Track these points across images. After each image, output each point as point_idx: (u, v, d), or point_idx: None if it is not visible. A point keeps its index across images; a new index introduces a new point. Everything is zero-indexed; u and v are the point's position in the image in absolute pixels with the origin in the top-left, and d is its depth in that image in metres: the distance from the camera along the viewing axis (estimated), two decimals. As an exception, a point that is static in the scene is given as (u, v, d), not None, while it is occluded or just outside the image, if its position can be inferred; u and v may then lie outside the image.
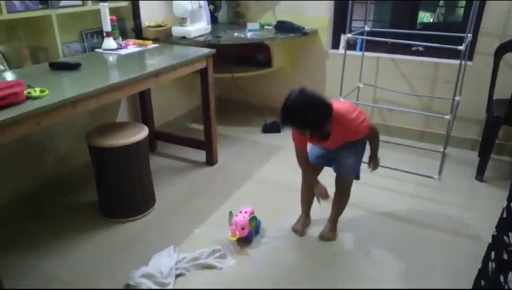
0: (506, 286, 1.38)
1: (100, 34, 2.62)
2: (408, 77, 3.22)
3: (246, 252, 2.09)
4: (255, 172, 2.85)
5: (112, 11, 2.59)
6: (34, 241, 2.15)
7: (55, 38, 2.34)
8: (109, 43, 2.56)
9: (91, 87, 1.86)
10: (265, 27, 3.40)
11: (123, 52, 2.55)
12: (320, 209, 2.19)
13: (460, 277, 1.92)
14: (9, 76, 2.04)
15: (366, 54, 3.23)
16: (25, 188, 2.37)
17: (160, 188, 2.58)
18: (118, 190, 2.27)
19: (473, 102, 3.03)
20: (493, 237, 1.55)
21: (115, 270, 1.95)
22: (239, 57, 3.52)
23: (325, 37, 3.41)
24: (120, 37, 2.65)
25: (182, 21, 3.02)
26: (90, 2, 2.50)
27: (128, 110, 3.01)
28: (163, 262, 1.93)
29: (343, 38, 3.32)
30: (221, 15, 3.68)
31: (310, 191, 2.13)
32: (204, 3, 3.08)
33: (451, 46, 2.54)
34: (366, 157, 2.08)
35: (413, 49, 3.26)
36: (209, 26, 3.20)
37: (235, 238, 2.06)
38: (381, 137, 3.29)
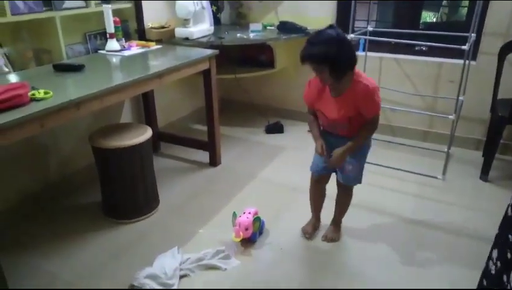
0: (509, 285, 1.38)
1: (103, 36, 2.63)
2: (411, 77, 3.21)
3: (250, 253, 2.09)
4: (259, 173, 2.85)
5: (115, 12, 2.59)
6: (37, 242, 2.16)
7: (59, 40, 2.34)
8: (112, 44, 2.57)
9: (95, 89, 1.87)
10: (268, 28, 3.40)
11: (126, 53, 2.56)
12: (326, 212, 2.18)
13: (464, 277, 1.91)
14: (13, 78, 2.05)
15: (369, 54, 3.22)
16: (28, 190, 2.38)
17: (163, 189, 2.58)
18: (122, 190, 2.27)
19: (477, 102, 3.01)
20: (496, 236, 1.54)
21: (119, 271, 1.95)
22: (242, 57, 3.52)
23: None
24: (123, 39, 2.66)
25: (184, 22, 3.02)
26: (93, 3, 2.51)
27: (132, 111, 3.01)
28: (167, 263, 1.93)
29: (346, 38, 3.31)
30: (224, 16, 3.68)
31: (318, 195, 2.12)
32: (207, 5, 3.08)
33: (454, 46, 2.53)
34: (369, 158, 2.07)
35: (416, 49, 3.25)
36: (212, 27, 3.20)
37: (238, 239, 2.06)
38: (385, 137, 3.34)
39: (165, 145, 3.21)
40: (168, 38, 3.02)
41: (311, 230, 2.19)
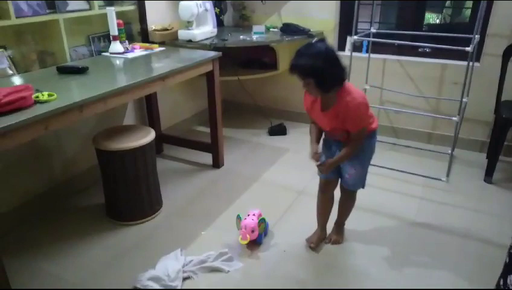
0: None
1: (107, 38, 2.64)
2: (415, 79, 3.21)
3: (253, 255, 2.08)
4: (261, 175, 2.85)
5: (119, 15, 2.60)
6: (41, 244, 2.16)
7: (63, 43, 2.36)
8: (116, 46, 2.58)
9: (98, 91, 1.87)
10: (271, 30, 3.40)
11: (130, 55, 2.57)
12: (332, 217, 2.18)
13: (469, 280, 1.90)
14: (17, 80, 2.06)
15: (373, 55, 3.22)
16: (32, 191, 2.38)
17: (166, 190, 2.58)
18: (125, 192, 2.28)
19: (481, 103, 3.00)
20: None
21: (122, 273, 1.95)
22: (245, 59, 3.52)
23: (331, 39, 3.40)
24: (127, 41, 2.67)
25: (188, 24, 3.03)
26: (97, 6, 2.52)
27: (135, 113, 3.02)
28: (170, 265, 1.93)
29: (349, 40, 3.31)
30: (227, 18, 3.68)
31: (326, 201, 2.10)
32: (210, 7, 3.09)
33: (458, 48, 2.52)
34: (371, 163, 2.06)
35: (419, 50, 3.25)
36: (215, 30, 3.21)
37: (246, 242, 2.05)
38: (389, 139, 3.33)
39: (168, 147, 3.22)
40: (171, 41, 3.03)
41: (315, 240, 2.14)
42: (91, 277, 1.95)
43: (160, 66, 2.38)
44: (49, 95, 1.74)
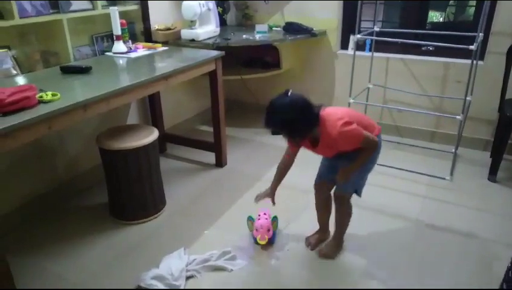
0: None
1: (110, 38, 2.65)
2: (418, 77, 3.20)
3: (256, 254, 2.08)
4: (265, 174, 2.85)
5: (122, 14, 2.61)
6: (44, 243, 2.17)
7: (66, 42, 2.36)
8: (119, 46, 2.58)
9: (102, 91, 1.88)
10: (274, 29, 3.40)
11: (133, 55, 2.57)
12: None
13: (472, 279, 1.90)
14: (21, 80, 2.06)
15: (376, 54, 3.21)
16: (36, 191, 2.39)
17: (170, 190, 2.59)
18: (128, 192, 2.28)
19: (485, 102, 2.99)
20: None
21: (125, 272, 1.96)
22: (248, 59, 3.52)
23: (334, 38, 3.40)
24: (130, 41, 2.67)
25: (191, 24, 3.04)
26: (100, 6, 2.52)
27: (138, 112, 3.03)
28: (173, 264, 1.94)
29: (352, 39, 3.30)
30: (230, 17, 3.68)
31: (321, 202, 2.07)
32: (213, 6, 3.09)
33: (462, 46, 2.51)
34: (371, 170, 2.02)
35: (423, 49, 3.24)
36: (218, 29, 3.21)
37: (264, 242, 2.05)
38: (392, 138, 3.32)
39: (172, 147, 3.22)
40: (174, 40, 3.04)
41: (314, 241, 2.12)
42: (94, 276, 1.95)
43: (163, 66, 2.39)
44: (52, 95, 1.75)
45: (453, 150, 2.81)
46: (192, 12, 2.90)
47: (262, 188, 2.66)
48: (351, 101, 2.93)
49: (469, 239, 2.18)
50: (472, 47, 2.43)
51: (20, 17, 2.10)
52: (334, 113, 1.73)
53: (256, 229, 2.08)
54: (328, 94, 3.58)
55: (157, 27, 2.98)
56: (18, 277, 1.83)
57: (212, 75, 2.67)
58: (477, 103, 2.98)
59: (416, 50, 3.24)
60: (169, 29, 3.03)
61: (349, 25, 3.37)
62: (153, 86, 2.21)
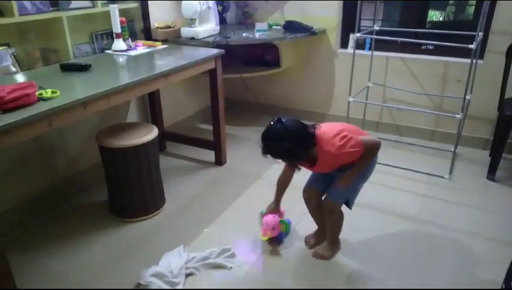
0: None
1: (110, 36, 2.65)
2: (418, 76, 3.20)
3: (255, 252, 2.09)
4: (264, 172, 2.85)
5: (122, 12, 2.61)
6: (45, 241, 2.17)
7: (66, 40, 2.36)
8: (119, 44, 2.58)
9: (101, 88, 1.88)
10: (274, 27, 3.40)
11: (132, 53, 2.57)
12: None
13: (472, 277, 1.90)
14: (21, 78, 2.06)
15: (376, 53, 3.22)
16: (36, 189, 2.39)
17: (169, 188, 2.59)
18: (128, 190, 2.29)
19: (484, 101, 2.99)
20: None
21: (125, 270, 1.96)
22: (247, 57, 3.52)
23: (334, 37, 3.40)
24: (129, 39, 2.67)
25: (190, 22, 3.03)
26: (100, 3, 2.52)
27: (138, 110, 3.03)
28: (173, 261, 1.94)
29: (352, 37, 3.30)
30: (230, 15, 3.68)
31: (312, 209, 2.07)
32: (213, 4, 3.09)
33: (461, 45, 2.51)
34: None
35: (423, 48, 3.24)
36: (218, 27, 3.21)
37: (266, 238, 2.06)
38: (391, 137, 3.32)
39: (171, 145, 3.22)
40: (174, 38, 3.04)
41: (313, 242, 2.12)
42: (94, 273, 1.96)
43: (163, 64, 2.39)
44: (52, 92, 1.75)
45: (453, 149, 2.82)
46: (192, 10, 2.90)
47: (262, 186, 2.69)
48: (351, 99, 2.93)
49: (468, 237, 2.18)
50: (472, 46, 2.43)
51: (20, 15, 2.10)
52: (330, 130, 1.76)
53: (262, 225, 2.08)
54: (327, 93, 3.58)
55: (157, 25, 2.98)
56: (18, 275, 1.83)
57: (212, 73, 2.68)
58: (477, 102, 2.99)
59: (416, 49, 3.24)
60: (169, 27, 3.03)
61: (349, 23, 3.37)
62: (152, 83, 2.21)
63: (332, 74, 3.52)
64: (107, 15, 2.51)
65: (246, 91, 3.84)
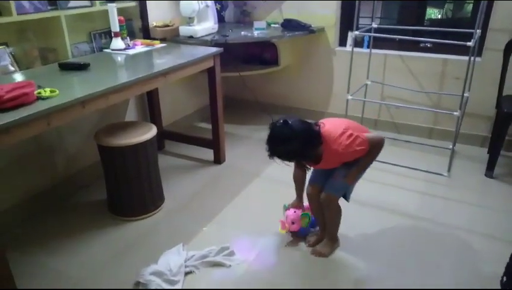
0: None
1: (108, 35, 2.65)
2: (416, 74, 3.20)
3: (254, 250, 2.09)
4: (263, 170, 2.86)
5: (120, 11, 2.61)
6: (44, 240, 2.18)
7: (64, 39, 2.36)
8: (117, 43, 2.58)
9: (100, 87, 1.88)
10: (272, 25, 3.40)
11: (131, 52, 2.57)
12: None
13: (471, 274, 1.91)
14: (19, 77, 2.06)
15: (374, 51, 3.22)
16: (35, 188, 2.40)
17: (168, 186, 2.59)
18: (127, 188, 2.29)
19: (483, 98, 3.00)
20: None
21: (125, 268, 1.97)
22: (246, 55, 3.52)
23: (332, 35, 3.40)
24: (128, 37, 2.67)
25: (189, 21, 3.03)
26: (98, 2, 2.52)
27: (137, 109, 3.03)
28: (172, 260, 1.94)
29: (351, 35, 3.31)
30: (228, 14, 3.68)
31: (315, 206, 2.06)
32: (211, 3, 3.09)
33: (459, 43, 2.52)
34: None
35: (421, 45, 3.24)
36: (216, 26, 3.21)
37: (284, 231, 2.09)
38: (390, 134, 3.33)
39: (170, 143, 3.23)
40: (172, 37, 3.04)
41: (313, 240, 2.12)
42: (93, 271, 1.96)
43: (161, 62, 2.39)
44: (51, 92, 1.75)
45: (451, 146, 2.82)
46: (190, 9, 2.90)
47: (261, 184, 2.69)
48: (349, 97, 2.93)
49: (466, 234, 2.19)
50: (470, 43, 2.43)
51: (18, 14, 2.10)
52: (334, 128, 1.77)
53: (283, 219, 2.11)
54: (326, 91, 3.58)
55: (155, 24, 2.98)
56: (18, 274, 1.83)
57: (211, 71, 2.68)
58: (475, 100, 2.99)
59: (414, 47, 3.25)
60: (167, 26, 3.03)
61: (347, 21, 3.37)
62: (151, 82, 2.21)
63: (330, 72, 3.52)
64: (105, 14, 2.51)
65: (245, 89, 3.84)
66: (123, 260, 2.03)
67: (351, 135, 1.74)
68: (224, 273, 1.94)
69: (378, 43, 3.23)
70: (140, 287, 1.84)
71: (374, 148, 1.80)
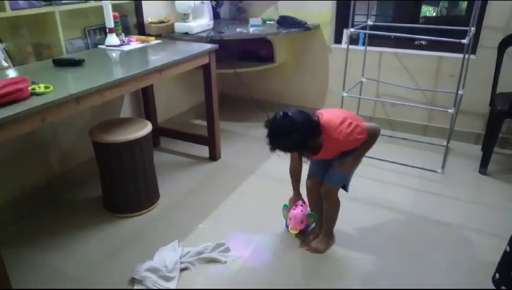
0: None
1: (103, 31, 2.63)
2: (411, 71, 3.21)
3: (250, 246, 2.10)
4: (258, 167, 2.86)
5: (115, 7, 2.59)
6: (39, 237, 2.17)
7: (59, 35, 2.35)
8: (112, 39, 2.57)
9: (94, 84, 1.87)
10: (268, 22, 3.40)
11: (126, 48, 2.56)
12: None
13: (465, 270, 1.93)
14: (13, 73, 2.05)
15: (369, 48, 3.23)
16: (29, 185, 2.38)
17: (163, 183, 2.59)
18: (122, 185, 2.28)
19: (477, 96, 3.02)
20: None
21: (120, 265, 1.96)
22: (241, 52, 3.52)
23: (328, 32, 3.41)
24: (123, 34, 2.66)
25: (184, 17, 3.02)
26: (92, -2, 2.51)
27: (132, 106, 3.02)
28: (168, 256, 1.95)
29: (346, 32, 3.31)
30: (223, 11, 3.67)
31: (317, 206, 2.08)
32: (206, -1, 3.08)
33: (454, 40, 2.53)
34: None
35: (416, 43, 3.25)
36: (212, 22, 3.20)
37: (295, 232, 2.07)
38: (385, 132, 3.34)
39: (165, 140, 3.22)
40: (167, 33, 3.02)
41: (311, 239, 2.12)
42: (89, 268, 1.96)
43: (156, 59, 2.38)
44: (45, 87, 1.74)
45: (445, 143, 2.84)
46: (185, 5, 2.89)
47: (256, 181, 2.70)
48: (344, 95, 2.94)
49: (460, 230, 2.20)
50: (464, 41, 2.45)
51: (12, 9, 2.08)
52: (334, 117, 1.78)
53: (290, 219, 2.09)
54: (321, 88, 3.59)
55: (150, 20, 2.97)
56: (13, 272, 1.82)
57: (206, 68, 2.67)
58: (469, 97, 3.01)
59: (409, 44, 3.26)
60: (162, 22, 3.02)
61: (343, 18, 3.38)
62: (146, 78, 2.21)
63: (326, 69, 3.53)
64: (100, 10, 2.50)
65: (240, 86, 3.83)
66: (119, 257, 2.03)
67: (350, 123, 1.76)
68: (220, 270, 1.94)
69: (373, 41, 3.24)
70: (135, 284, 1.84)
71: (370, 137, 1.82)
